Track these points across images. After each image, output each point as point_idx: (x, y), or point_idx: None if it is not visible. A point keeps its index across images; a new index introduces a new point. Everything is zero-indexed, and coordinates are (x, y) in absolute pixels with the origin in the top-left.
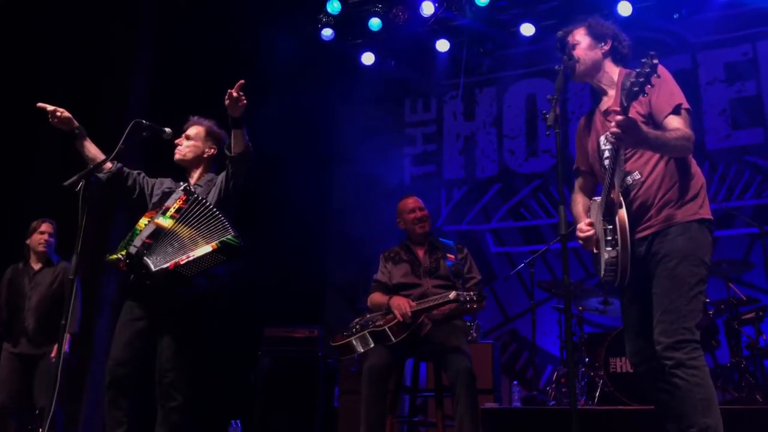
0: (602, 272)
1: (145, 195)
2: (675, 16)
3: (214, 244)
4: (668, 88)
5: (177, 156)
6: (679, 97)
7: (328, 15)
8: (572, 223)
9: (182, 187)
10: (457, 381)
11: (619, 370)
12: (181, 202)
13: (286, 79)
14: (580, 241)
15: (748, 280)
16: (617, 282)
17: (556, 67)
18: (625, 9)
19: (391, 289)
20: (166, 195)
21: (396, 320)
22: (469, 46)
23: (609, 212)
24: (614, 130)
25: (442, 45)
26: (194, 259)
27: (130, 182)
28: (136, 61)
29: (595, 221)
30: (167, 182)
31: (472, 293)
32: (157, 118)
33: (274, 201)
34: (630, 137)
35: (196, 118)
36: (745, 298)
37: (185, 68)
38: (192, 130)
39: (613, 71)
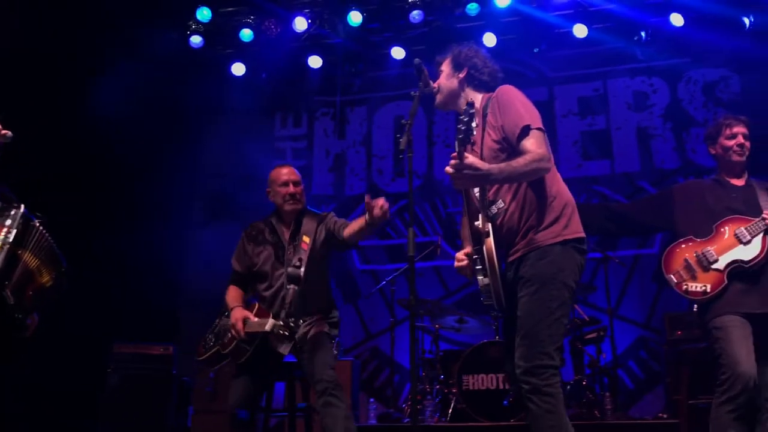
0: (482, 297)
1: None
2: (535, 50)
3: None
4: (515, 110)
5: None
6: (527, 118)
7: (198, 22)
8: (433, 243)
9: None
10: (325, 393)
11: (472, 387)
12: None
13: (152, 83)
14: (457, 270)
15: (591, 301)
16: (496, 306)
17: (412, 92)
18: (489, 40)
19: (250, 278)
20: None
21: (234, 340)
22: (341, 65)
23: (477, 241)
24: (449, 170)
25: (315, 61)
26: None
27: None
28: None
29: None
30: None
31: (285, 329)
32: None
33: (128, 211)
34: (469, 181)
35: None
36: (588, 319)
37: (38, 63)
38: None
39: (475, 98)
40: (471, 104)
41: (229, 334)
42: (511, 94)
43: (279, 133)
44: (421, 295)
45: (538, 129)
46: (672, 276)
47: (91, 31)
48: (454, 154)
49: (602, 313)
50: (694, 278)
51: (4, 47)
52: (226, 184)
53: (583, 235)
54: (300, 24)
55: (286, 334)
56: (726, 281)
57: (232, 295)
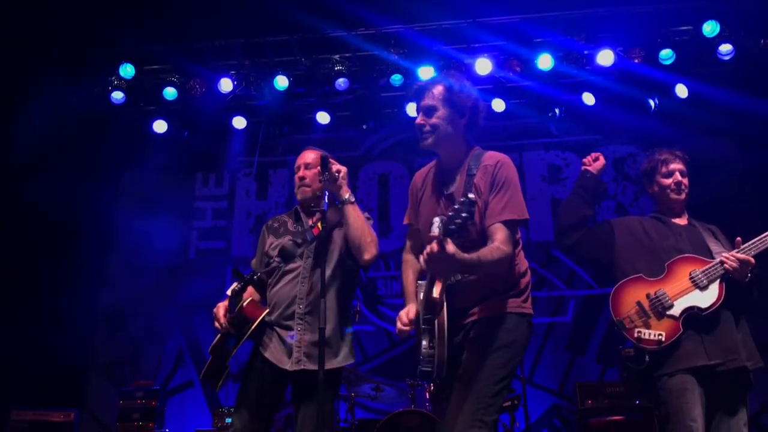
0: (420, 363)
1: None
2: (416, 87)
3: None
4: (509, 196)
5: None
6: (516, 211)
7: (120, 78)
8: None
9: None
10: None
11: None
12: None
13: (69, 136)
14: (396, 331)
15: None
16: (434, 375)
17: (323, 153)
18: (412, 110)
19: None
20: None
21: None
22: (266, 127)
23: (430, 310)
24: (425, 257)
25: (239, 122)
26: None
27: None
28: None
29: (419, 307)
30: None
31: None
32: None
33: (35, 270)
34: (442, 267)
35: None
36: None
37: None
38: None
39: (465, 149)
40: (472, 201)
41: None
42: (511, 174)
43: (200, 192)
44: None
45: (519, 223)
46: (623, 320)
47: (11, 76)
48: (436, 239)
49: (516, 380)
50: (647, 325)
51: None
52: (143, 236)
53: (532, 312)
54: (225, 85)
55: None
56: (681, 329)
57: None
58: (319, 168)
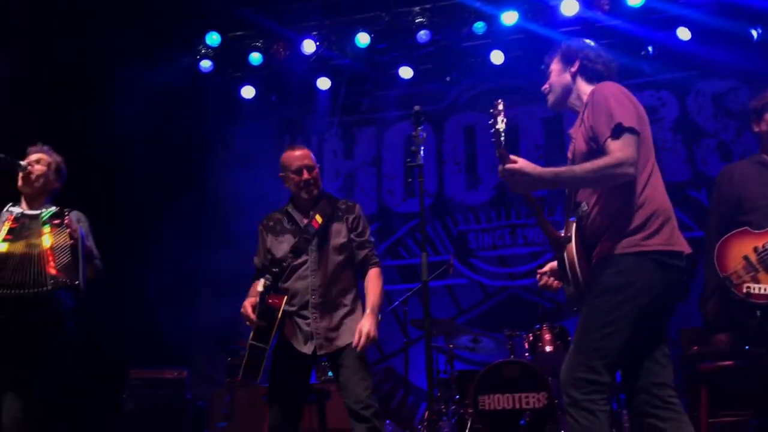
0: (571, 306)
1: None
2: (542, 67)
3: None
4: (607, 109)
5: (32, 182)
6: (618, 117)
7: (207, 47)
8: (445, 262)
9: (5, 209)
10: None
11: (488, 407)
12: (10, 223)
13: (163, 109)
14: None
15: None
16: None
17: (415, 107)
18: (497, 58)
19: (278, 271)
20: None
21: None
22: (348, 85)
23: (558, 248)
24: (500, 174)
25: (323, 83)
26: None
27: None
28: None
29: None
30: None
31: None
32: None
33: (143, 237)
34: (518, 185)
35: (46, 147)
36: None
37: (51, 92)
38: (42, 159)
39: (585, 90)
40: (495, 105)
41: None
42: (606, 90)
43: None
44: (434, 314)
45: (630, 130)
46: (730, 276)
47: (101, 58)
48: (499, 154)
49: None
50: (755, 279)
51: (15, 76)
52: (238, 207)
53: (672, 248)
54: (308, 46)
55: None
56: None
57: (251, 290)
58: (318, 166)
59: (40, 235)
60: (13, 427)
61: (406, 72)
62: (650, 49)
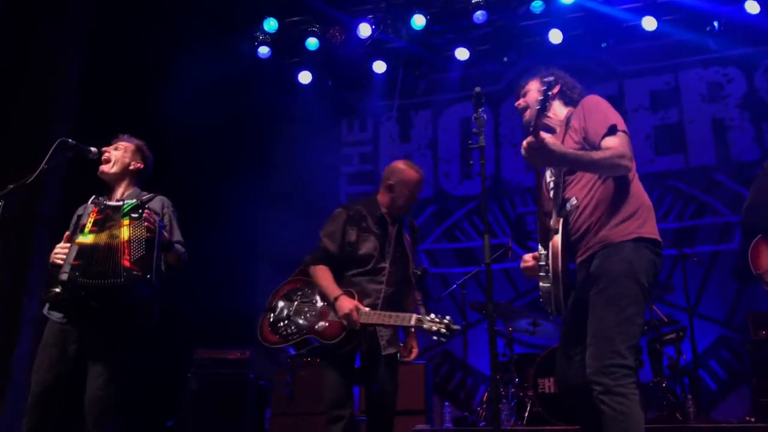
0: (541, 300)
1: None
2: (603, 45)
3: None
4: (601, 112)
5: (103, 167)
6: (613, 119)
7: (265, 33)
8: (503, 245)
9: (90, 201)
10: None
11: (547, 390)
12: (94, 215)
13: (223, 94)
14: (522, 270)
15: (669, 300)
16: (553, 313)
17: (476, 88)
18: (555, 37)
19: (341, 262)
20: (80, 217)
21: (343, 331)
22: (405, 69)
23: (545, 238)
24: (524, 146)
25: (379, 66)
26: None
27: None
28: (64, 79)
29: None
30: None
31: (441, 325)
32: (86, 135)
33: (204, 219)
34: (540, 157)
35: (126, 136)
36: (666, 320)
37: (116, 82)
38: (120, 144)
39: (561, 111)
40: (545, 74)
41: (324, 323)
42: (598, 100)
43: (346, 139)
44: (492, 297)
45: (623, 131)
46: (762, 274)
47: (163, 46)
48: (531, 130)
49: (681, 312)
50: None
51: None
52: (296, 186)
53: (658, 238)
54: (364, 30)
55: (443, 331)
56: None
57: (328, 277)
58: None
59: (120, 226)
60: (94, 398)
61: (462, 53)
62: (716, 24)
